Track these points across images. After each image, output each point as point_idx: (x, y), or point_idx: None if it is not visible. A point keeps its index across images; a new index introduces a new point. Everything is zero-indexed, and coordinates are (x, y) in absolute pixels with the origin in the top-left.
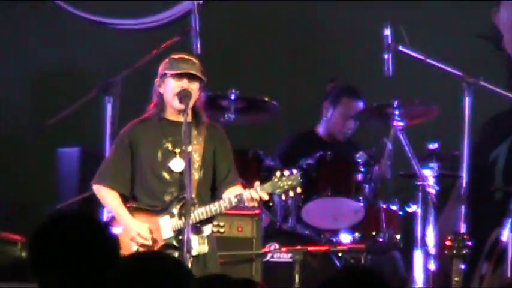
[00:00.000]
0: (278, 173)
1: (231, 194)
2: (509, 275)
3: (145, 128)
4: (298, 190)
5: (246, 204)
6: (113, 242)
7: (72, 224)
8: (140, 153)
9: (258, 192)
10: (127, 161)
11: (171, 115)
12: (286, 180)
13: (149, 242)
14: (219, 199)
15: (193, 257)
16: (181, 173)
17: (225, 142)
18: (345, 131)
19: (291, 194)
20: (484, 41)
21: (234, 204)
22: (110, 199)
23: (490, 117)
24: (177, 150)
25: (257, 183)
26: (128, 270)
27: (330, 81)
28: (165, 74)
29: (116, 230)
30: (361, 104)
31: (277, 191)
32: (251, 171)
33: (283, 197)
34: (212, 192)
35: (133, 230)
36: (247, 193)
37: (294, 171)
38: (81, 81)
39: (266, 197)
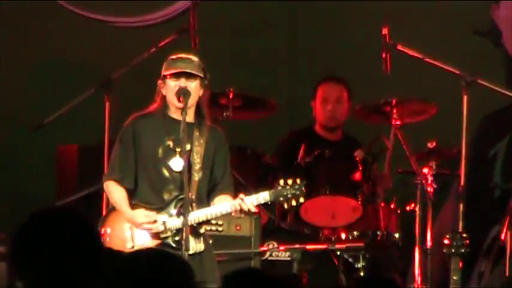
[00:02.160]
0: (282, 181)
1: (220, 202)
2: (508, 273)
3: (148, 122)
4: (301, 200)
5: (233, 214)
6: (95, 239)
7: (53, 220)
8: (142, 146)
9: (247, 204)
10: (131, 153)
11: (174, 113)
12: (290, 189)
13: (157, 224)
14: (216, 203)
15: (189, 255)
16: (180, 172)
17: (224, 147)
18: (329, 115)
19: (294, 203)
20: (482, 37)
21: (234, 209)
22: (116, 195)
23: (489, 113)
24: (178, 149)
25: (241, 195)
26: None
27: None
28: (164, 75)
29: (107, 228)
30: (338, 86)
31: (280, 199)
32: (250, 169)
33: (286, 206)
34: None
35: (140, 217)
36: (236, 204)
37: (298, 180)
38: (80, 79)
39: (254, 210)
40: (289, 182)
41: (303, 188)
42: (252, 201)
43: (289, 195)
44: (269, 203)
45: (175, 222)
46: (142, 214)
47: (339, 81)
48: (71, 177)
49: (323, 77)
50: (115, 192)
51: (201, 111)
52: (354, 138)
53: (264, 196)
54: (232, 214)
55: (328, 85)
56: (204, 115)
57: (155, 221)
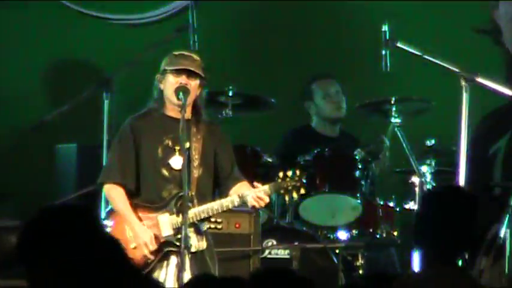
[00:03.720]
0: (281, 174)
1: (240, 190)
2: (507, 270)
3: (146, 122)
4: (302, 191)
5: (249, 204)
6: (103, 234)
7: (62, 216)
8: (141, 147)
9: (262, 193)
10: (132, 154)
11: (171, 111)
12: (290, 181)
13: (151, 256)
14: (222, 197)
15: (191, 253)
16: (180, 170)
17: (225, 139)
18: (335, 106)
19: (295, 195)
20: (482, 35)
21: (236, 204)
22: (119, 201)
23: (489, 111)
24: (177, 147)
25: (258, 184)
26: None
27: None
28: (165, 70)
29: (109, 223)
30: (332, 80)
31: (281, 192)
32: (249, 168)
33: (287, 198)
34: (215, 190)
35: (142, 239)
36: (253, 193)
37: (298, 172)
38: (79, 77)
39: (267, 200)
40: (289, 173)
41: (303, 180)
42: (253, 195)
43: (290, 187)
44: (269, 195)
45: (177, 220)
46: (145, 237)
47: (331, 76)
48: (70, 176)
49: (314, 75)
50: (118, 198)
51: (197, 109)
52: (350, 134)
53: (264, 189)
54: (249, 204)
55: (323, 81)
56: (200, 113)
57: (155, 249)
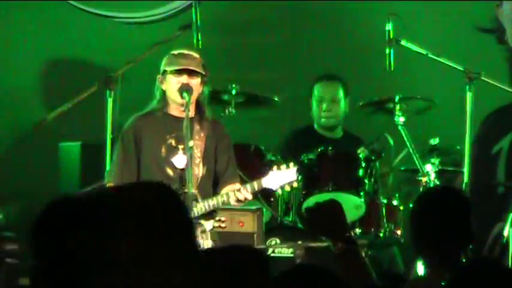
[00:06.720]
0: (275, 168)
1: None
2: None
3: (149, 122)
4: (295, 185)
5: (232, 205)
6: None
7: (77, 207)
8: (144, 147)
9: (242, 193)
10: (133, 156)
11: (174, 110)
12: (283, 175)
13: None
14: (217, 194)
15: None
16: (184, 169)
17: (226, 138)
18: (325, 114)
19: (287, 188)
20: (486, 34)
21: (220, 203)
22: None
23: (493, 110)
24: (181, 146)
25: (237, 186)
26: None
27: None
28: (165, 70)
29: None
30: (333, 85)
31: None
32: (253, 166)
33: (279, 192)
34: (214, 187)
35: None
36: (231, 195)
37: (291, 165)
38: (83, 76)
39: (250, 197)
40: (282, 167)
41: (296, 173)
42: (247, 189)
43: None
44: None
45: None
46: None
47: (334, 79)
48: (74, 174)
49: (319, 75)
50: None
51: (200, 106)
52: (355, 136)
53: (258, 183)
54: (232, 203)
55: (323, 84)
56: (203, 110)
57: None
